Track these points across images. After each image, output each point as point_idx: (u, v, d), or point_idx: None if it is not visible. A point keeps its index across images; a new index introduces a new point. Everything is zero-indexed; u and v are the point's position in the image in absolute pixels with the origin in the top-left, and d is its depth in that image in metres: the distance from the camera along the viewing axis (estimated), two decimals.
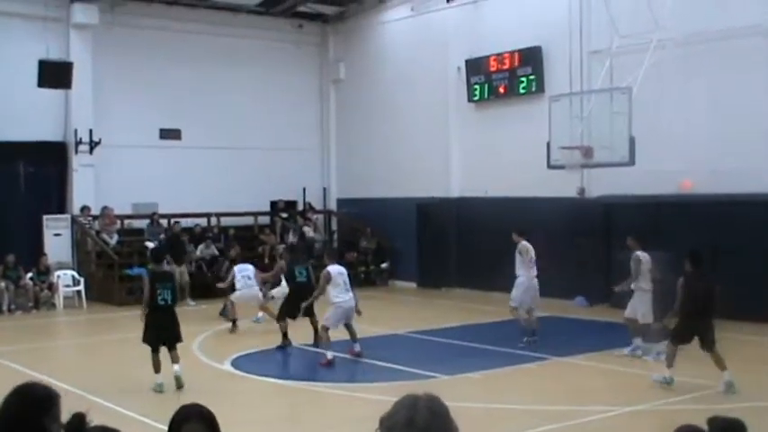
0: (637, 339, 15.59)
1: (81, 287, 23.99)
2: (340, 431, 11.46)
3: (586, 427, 11.24)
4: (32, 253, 24.17)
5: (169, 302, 13.44)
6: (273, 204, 29.62)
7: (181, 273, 23.50)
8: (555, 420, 11.53)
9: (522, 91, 24.74)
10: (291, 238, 26.96)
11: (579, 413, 11.71)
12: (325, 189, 31.38)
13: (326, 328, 15.54)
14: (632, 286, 15.45)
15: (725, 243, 19.58)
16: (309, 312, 16.80)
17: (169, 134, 28.06)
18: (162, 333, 13.38)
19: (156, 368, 13.34)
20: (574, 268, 21.67)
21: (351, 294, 15.88)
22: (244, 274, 19.52)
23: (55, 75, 23.74)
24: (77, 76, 24.27)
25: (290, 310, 16.89)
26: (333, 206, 31.50)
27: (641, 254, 15.57)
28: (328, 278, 15.61)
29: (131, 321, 21.22)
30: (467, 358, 16.31)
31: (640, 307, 15.35)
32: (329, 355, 15.26)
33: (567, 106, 19.58)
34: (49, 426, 3.95)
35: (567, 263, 21.28)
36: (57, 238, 25.10)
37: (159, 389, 13.13)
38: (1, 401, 4.07)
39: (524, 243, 17.10)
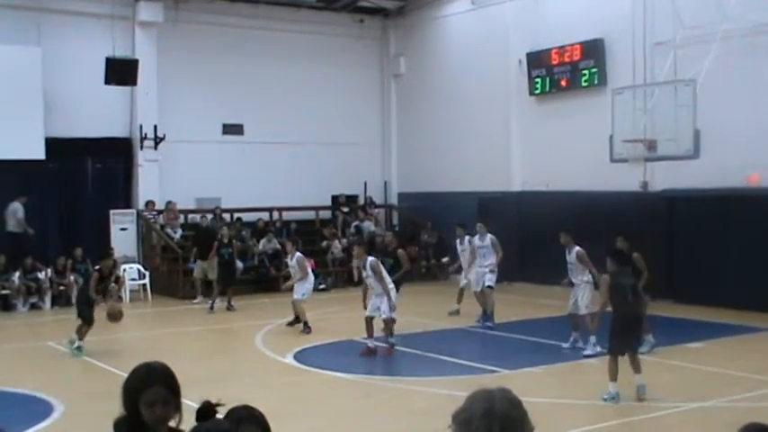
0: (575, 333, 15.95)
1: (146, 281, 24.39)
2: (404, 424, 11.49)
3: (653, 422, 11.16)
4: (99, 247, 24.58)
5: None
6: (335, 199, 29.78)
7: (206, 268, 23.37)
8: (620, 416, 11.47)
9: (584, 84, 24.53)
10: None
11: (645, 409, 11.61)
12: (386, 183, 31.44)
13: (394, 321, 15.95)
14: (575, 280, 15.80)
15: None
16: None
17: (232, 129, 28.35)
18: None
19: None
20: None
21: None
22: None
23: (121, 72, 24.19)
24: (142, 72, 24.68)
25: None
26: (394, 200, 31.56)
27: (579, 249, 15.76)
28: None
29: (194, 314, 21.62)
30: (529, 353, 16.26)
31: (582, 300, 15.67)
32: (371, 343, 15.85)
33: (630, 99, 19.40)
34: (143, 409, 3.91)
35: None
36: (123, 233, 25.53)
37: None
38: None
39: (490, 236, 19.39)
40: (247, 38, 28.31)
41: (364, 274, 16.03)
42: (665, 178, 21.76)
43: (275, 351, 16.35)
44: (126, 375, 3.97)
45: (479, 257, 19.25)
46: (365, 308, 15.97)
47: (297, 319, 18.52)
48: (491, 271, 18.96)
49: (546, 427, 11.25)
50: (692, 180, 20.54)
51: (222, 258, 22.55)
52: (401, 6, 30.60)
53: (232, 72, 27.98)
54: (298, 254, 18.76)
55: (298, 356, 15.81)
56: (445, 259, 27.27)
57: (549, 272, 20.05)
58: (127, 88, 25.28)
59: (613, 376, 11.92)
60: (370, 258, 15.93)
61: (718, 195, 20.51)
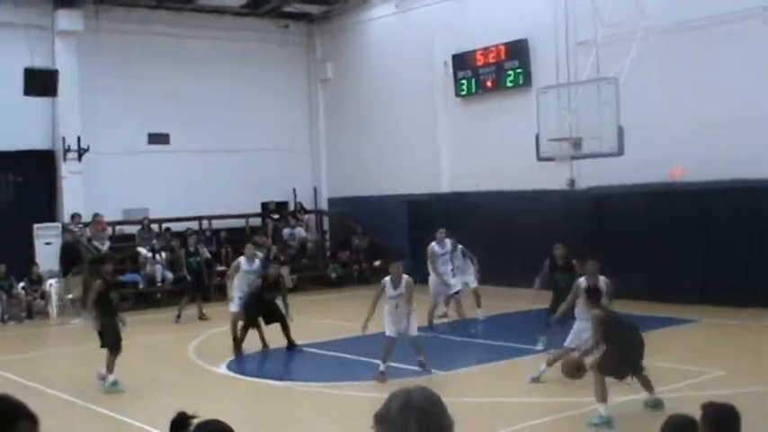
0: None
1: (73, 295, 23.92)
2: (337, 429, 11.45)
3: (583, 418, 11.23)
4: (24, 262, 24.11)
5: None
6: (264, 206, 29.59)
7: (68, 285, 23.04)
8: (553, 412, 11.55)
9: (509, 84, 24.75)
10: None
11: (575, 404, 11.69)
12: (315, 189, 31.34)
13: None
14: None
15: (717, 229, 19.64)
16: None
17: (157, 139, 28.01)
18: None
19: None
20: None
21: None
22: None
23: (41, 83, 23.69)
24: (63, 83, 24.22)
25: None
26: (324, 206, 31.48)
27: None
28: None
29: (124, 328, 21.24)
30: (462, 353, 16.32)
31: None
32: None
33: (555, 98, 19.59)
34: None
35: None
36: (48, 247, 25.00)
37: None
38: None
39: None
40: (171, 46, 28.01)
41: (392, 293, 14.25)
42: (592, 175, 22.01)
43: (208, 361, 16.17)
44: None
45: (441, 264, 18.54)
46: (366, 328, 14.22)
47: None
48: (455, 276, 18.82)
49: (479, 426, 11.33)
50: (618, 176, 20.81)
51: (190, 266, 22.67)
52: (326, 11, 30.53)
53: (156, 80, 27.64)
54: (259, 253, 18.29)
55: (231, 366, 15.66)
56: (377, 263, 27.34)
57: (479, 271, 20.15)
58: (48, 99, 24.81)
59: (604, 396, 10.93)
60: (407, 277, 14.39)
61: (644, 191, 20.83)
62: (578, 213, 22.13)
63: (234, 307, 17.33)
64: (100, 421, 12.08)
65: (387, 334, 14.22)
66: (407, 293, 14.24)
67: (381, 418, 2.83)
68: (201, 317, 21.67)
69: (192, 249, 22.83)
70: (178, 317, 21.53)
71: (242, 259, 17.92)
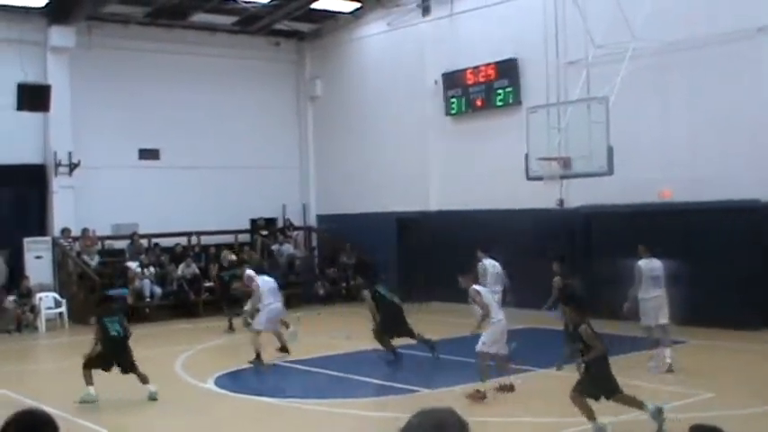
0: None
1: (63, 309, 23.87)
2: None
3: None
4: (14, 276, 24.07)
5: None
6: (253, 222, 29.60)
7: None
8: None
9: (499, 103, 24.85)
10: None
11: (562, 425, 11.70)
12: (304, 206, 31.37)
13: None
14: None
15: (704, 251, 19.69)
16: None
17: (148, 154, 28.06)
18: None
19: None
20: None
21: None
22: (271, 286, 17.72)
23: (33, 98, 23.70)
24: (56, 98, 24.23)
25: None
26: (313, 222, 31.50)
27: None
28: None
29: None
30: (448, 372, 16.31)
31: None
32: None
33: (545, 117, 19.64)
34: None
35: (547, 274, 21.29)
36: (38, 261, 25.00)
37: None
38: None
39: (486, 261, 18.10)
40: (163, 62, 28.08)
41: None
42: (581, 195, 22.09)
43: (196, 377, 16.13)
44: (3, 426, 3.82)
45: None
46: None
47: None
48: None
49: None
50: (607, 196, 20.89)
51: (222, 280, 23.00)
52: (317, 29, 30.64)
53: (148, 96, 27.70)
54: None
55: (218, 381, 15.62)
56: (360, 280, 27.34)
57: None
58: (40, 114, 24.81)
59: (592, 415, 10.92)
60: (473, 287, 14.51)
61: (633, 210, 20.88)
62: (568, 232, 22.19)
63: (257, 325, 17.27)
64: None
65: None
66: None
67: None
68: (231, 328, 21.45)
69: (225, 264, 23.75)
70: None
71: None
